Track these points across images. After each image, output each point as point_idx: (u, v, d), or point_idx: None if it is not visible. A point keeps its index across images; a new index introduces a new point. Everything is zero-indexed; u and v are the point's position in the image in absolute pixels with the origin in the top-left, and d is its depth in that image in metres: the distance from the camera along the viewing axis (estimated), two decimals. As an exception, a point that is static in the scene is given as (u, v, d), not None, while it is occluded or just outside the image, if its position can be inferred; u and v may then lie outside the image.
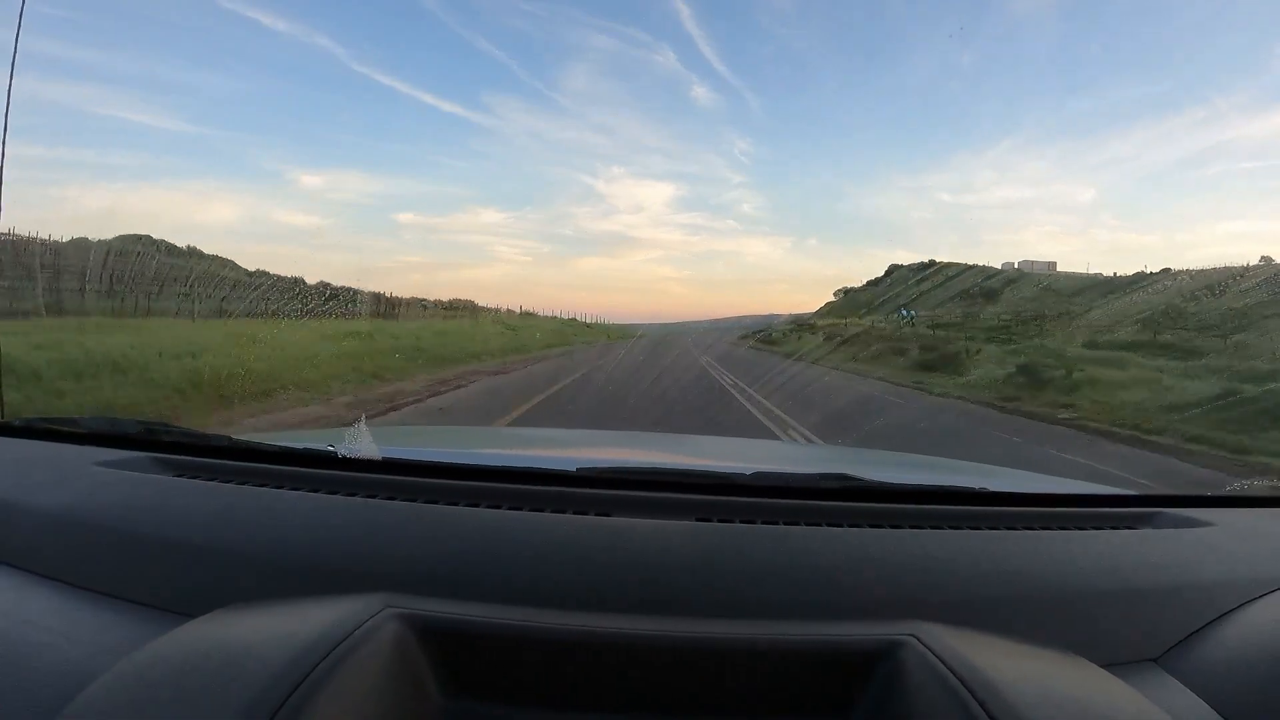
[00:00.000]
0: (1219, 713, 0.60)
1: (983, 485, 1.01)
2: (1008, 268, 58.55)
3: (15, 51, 1.45)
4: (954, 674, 0.53)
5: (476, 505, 0.84)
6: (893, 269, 74.92)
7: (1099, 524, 0.92)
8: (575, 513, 0.83)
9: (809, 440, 6.74)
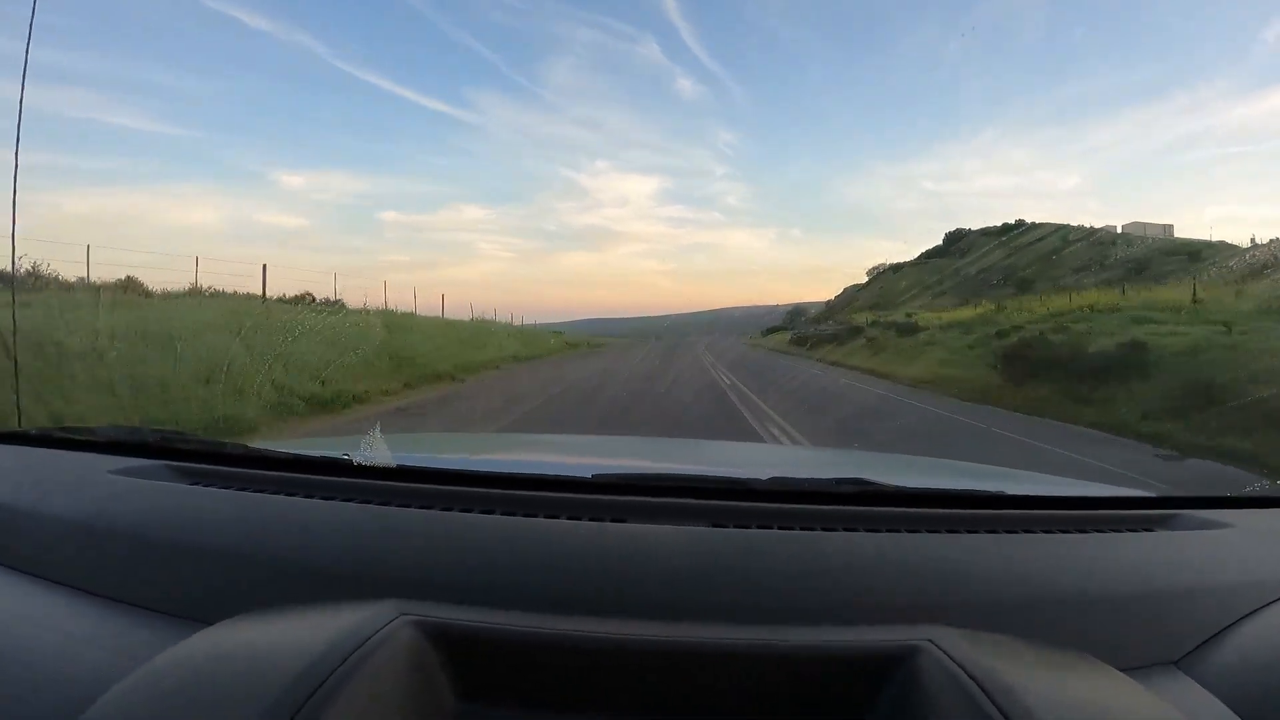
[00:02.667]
0: (1240, 716, 0.59)
1: (999, 489, 1.00)
2: (1107, 230, 46.52)
3: (26, 64, 1.47)
4: (972, 679, 0.53)
5: (491, 512, 0.84)
6: (959, 234, 60.68)
7: (1117, 526, 0.91)
8: (590, 519, 0.83)
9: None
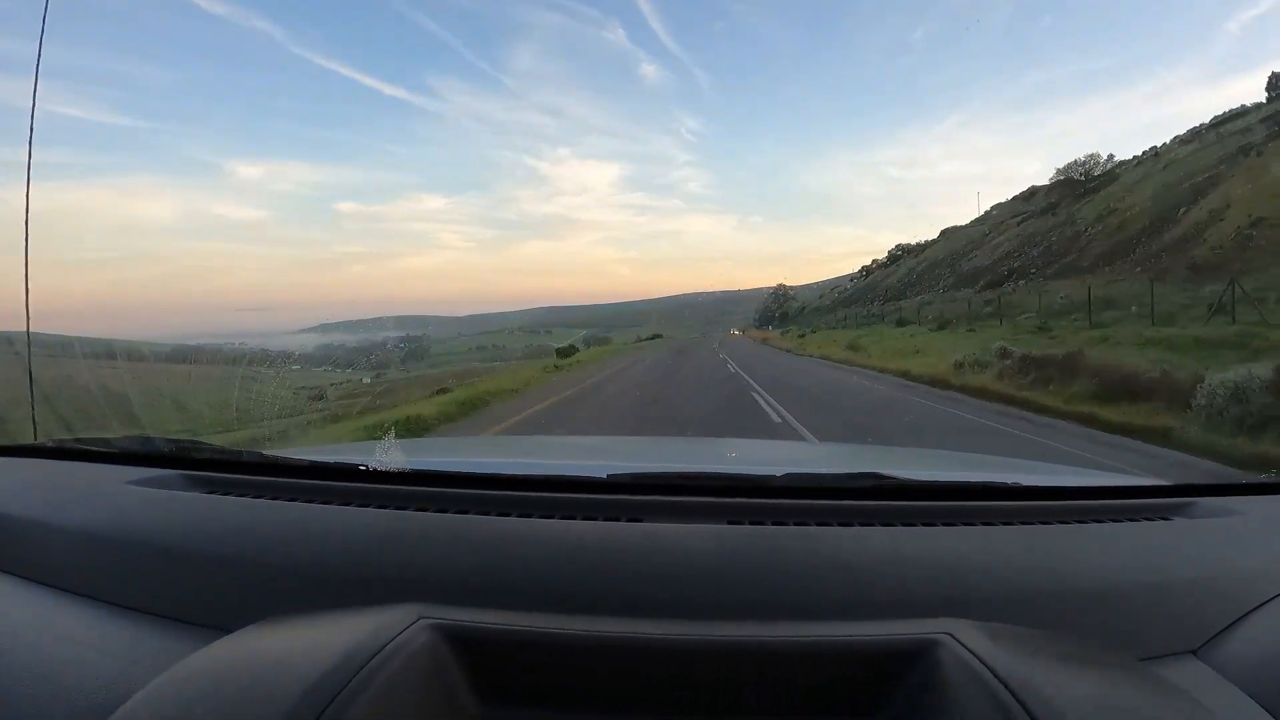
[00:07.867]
0: (1260, 703, 0.59)
1: (1015, 480, 1.00)
2: None
3: (37, 71, 1.48)
4: (990, 671, 0.53)
5: (507, 514, 0.84)
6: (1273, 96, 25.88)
7: (1133, 516, 0.91)
8: (605, 519, 0.83)
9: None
